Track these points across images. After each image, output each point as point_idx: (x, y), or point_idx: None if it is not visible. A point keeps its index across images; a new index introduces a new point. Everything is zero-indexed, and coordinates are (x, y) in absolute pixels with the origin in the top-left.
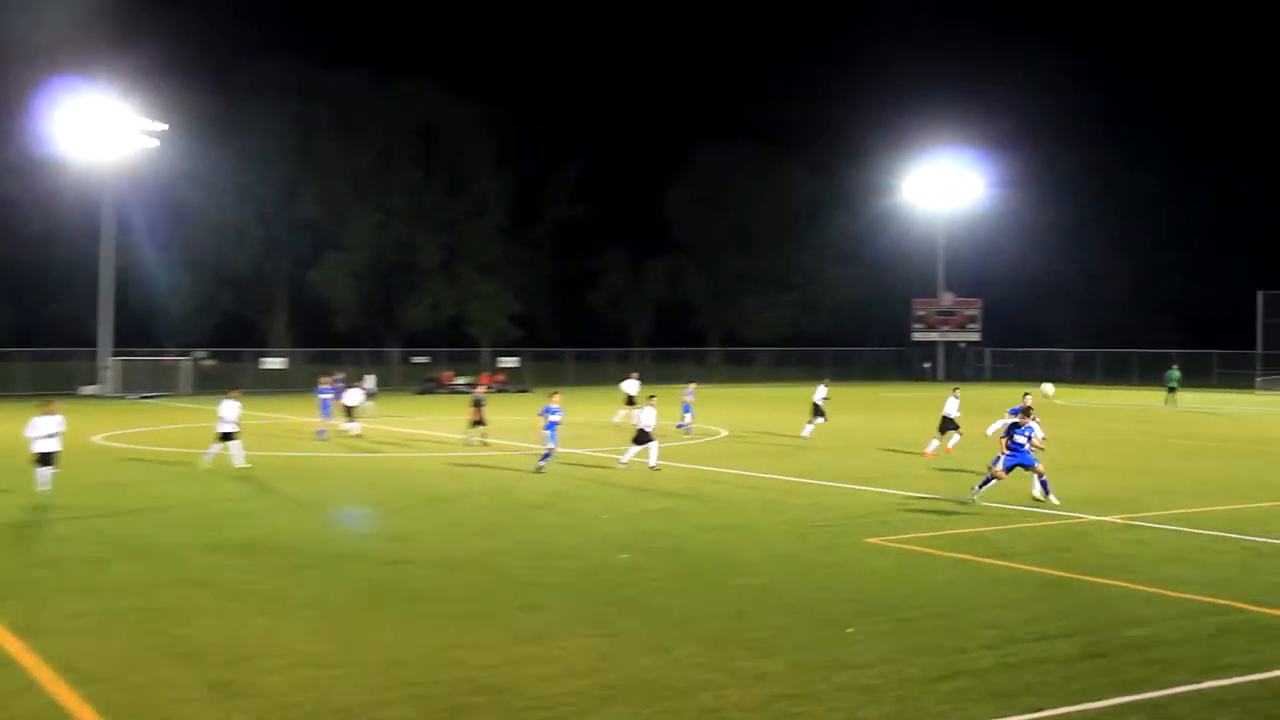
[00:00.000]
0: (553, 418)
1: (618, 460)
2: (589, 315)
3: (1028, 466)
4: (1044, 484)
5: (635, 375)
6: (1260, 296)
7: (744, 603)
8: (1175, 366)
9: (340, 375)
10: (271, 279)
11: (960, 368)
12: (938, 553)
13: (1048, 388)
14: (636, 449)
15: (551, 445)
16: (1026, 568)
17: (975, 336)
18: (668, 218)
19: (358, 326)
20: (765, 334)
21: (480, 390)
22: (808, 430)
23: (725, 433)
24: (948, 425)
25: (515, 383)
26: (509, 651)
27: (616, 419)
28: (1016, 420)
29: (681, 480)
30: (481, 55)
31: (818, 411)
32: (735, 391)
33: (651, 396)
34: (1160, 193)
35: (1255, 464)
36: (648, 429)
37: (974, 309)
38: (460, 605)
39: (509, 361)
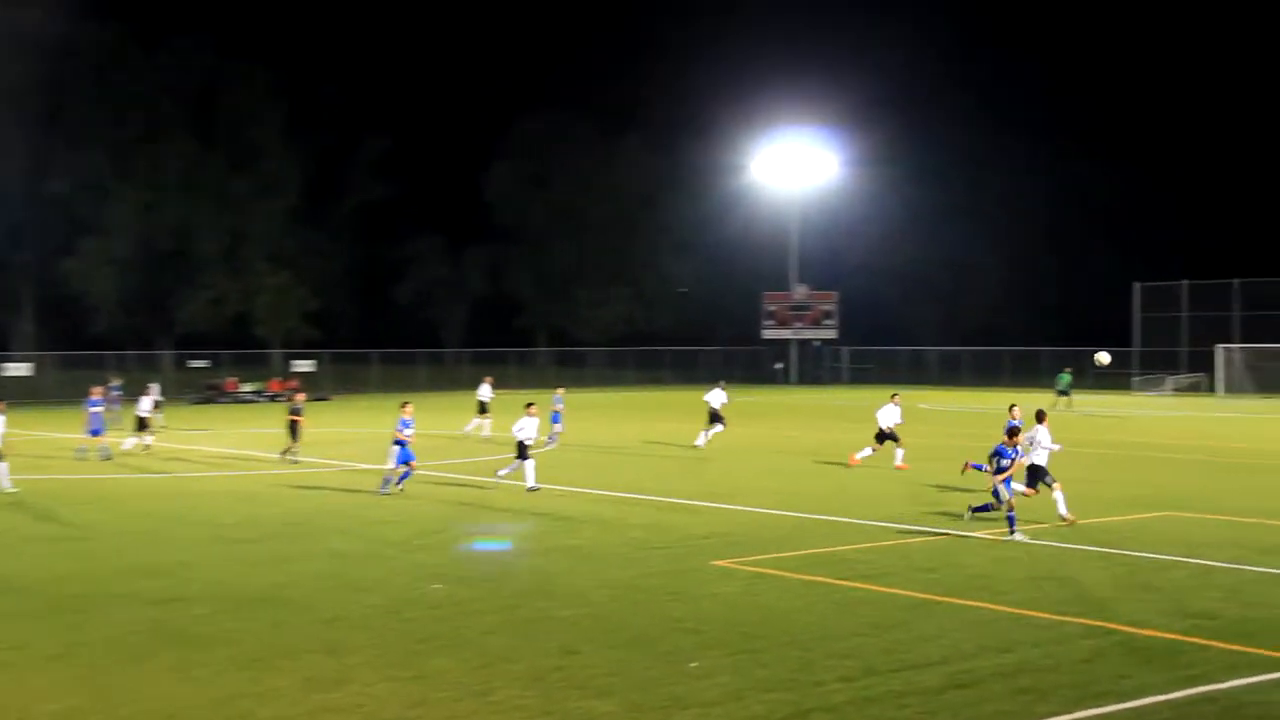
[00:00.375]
0: (406, 432)
1: (505, 480)
2: (397, 311)
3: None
4: (984, 507)
5: (490, 380)
6: (1137, 289)
7: (574, 636)
8: (1067, 370)
9: (117, 382)
10: (14, 269)
11: (815, 369)
12: (791, 575)
13: (1103, 356)
14: (529, 465)
15: (410, 461)
16: (887, 590)
17: (831, 334)
18: (488, 201)
19: (121, 325)
20: (598, 332)
21: (299, 399)
22: (702, 439)
23: (555, 444)
24: (884, 436)
25: (312, 389)
26: (304, 700)
27: (469, 429)
28: (1003, 443)
29: (505, 499)
30: (267, 11)
31: (715, 418)
32: (566, 397)
33: (529, 405)
34: (1034, 178)
35: (1130, 472)
36: (528, 443)
37: (830, 303)
38: (246, 649)
39: (303, 365)
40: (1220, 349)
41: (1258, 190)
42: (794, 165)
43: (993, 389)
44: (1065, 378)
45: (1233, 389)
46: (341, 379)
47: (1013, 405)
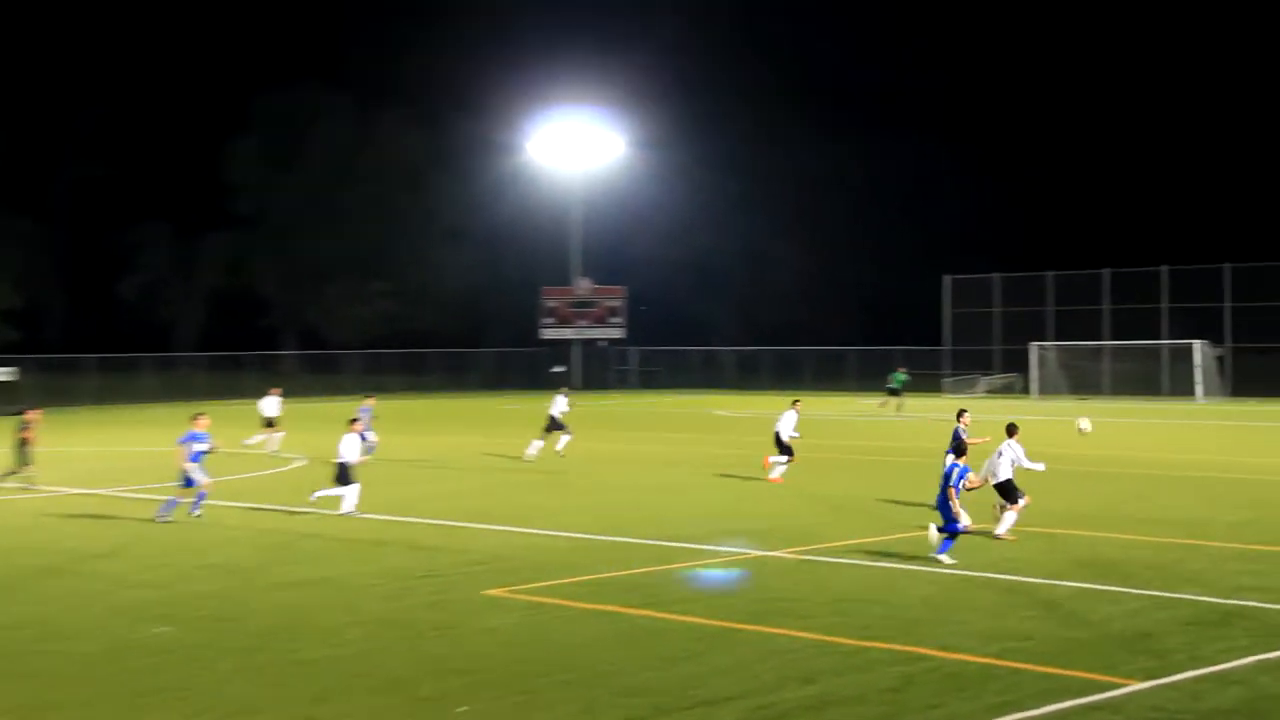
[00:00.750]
0: (198, 447)
1: (309, 501)
2: (119, 309)
3: (942, 508)
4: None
5: (277, 391)
6: (947, 282)
7: (324, 682)
8: (903, 369)
9: None
10: None
11: (601, 372)
12: (575, 604)
13: (1084, 423)
14: (338, 490)
15: (202, 481)
16: (682, 618)
17: (619, 333)
18: (227, 182)
19: None
20: (355, 333)
21: (32, 415)
22: (534, 449)
23: (305, 460)
24: (783, 445)
25: (9, 401)
26: None
27: (252, 442)
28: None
29: (246, 525)
30: None
31: (555, 425)
32: (318, 407)
33: (354, 420)
34: (837, 163)
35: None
36: (349, 464)
37: (616, 299)
38: None
39: (2, 374)
40: (1034, 347)
41: (1070, 177)
42: (575, 146)
43: (795, 392)
44: (900, 376)
45: (1047, 390)
46: (48, 390)
47: (962, 411)
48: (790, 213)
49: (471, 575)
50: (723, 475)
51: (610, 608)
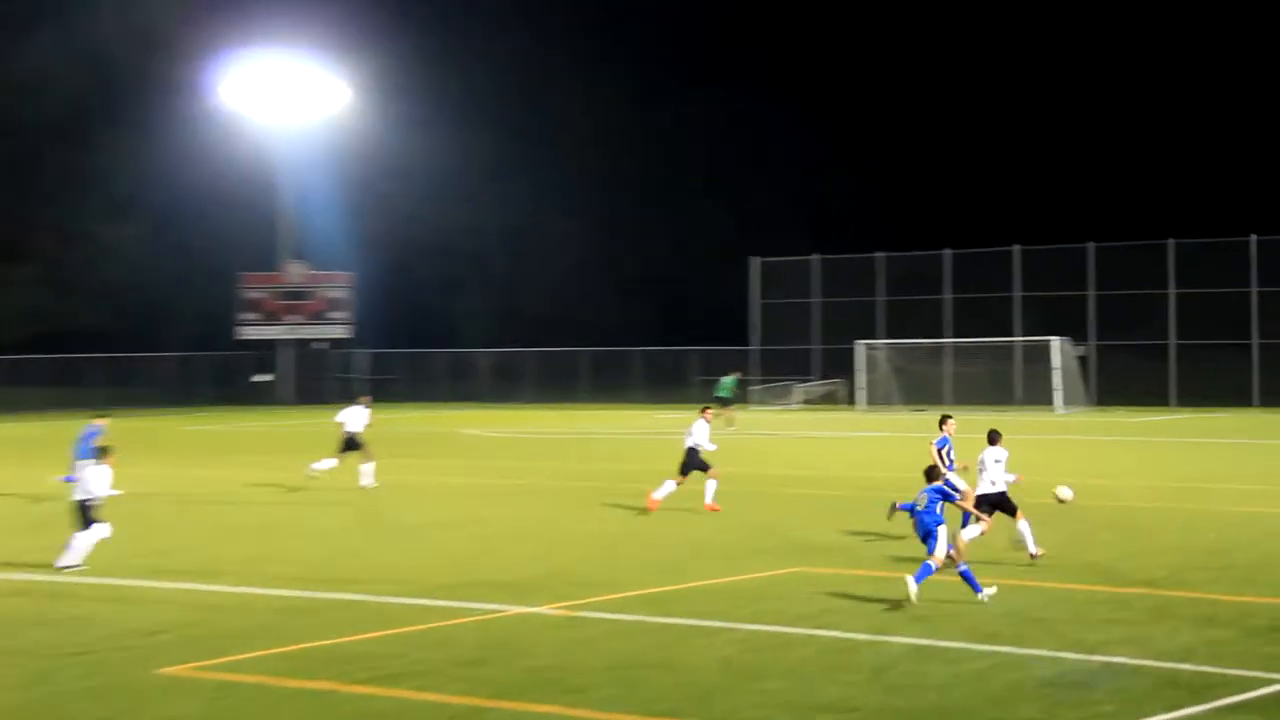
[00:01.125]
0: None
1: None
2: None
3: (926, 538)
4: (927, 570)
5: None
6: (755, 265)
7: None
8: (734, 373)
9: None
10: None
11: (318, 381)
12: (278, 682)
13: (1064, 491)
14: (99, 530)
15: None
16: (418, 695)
17: (342, 332)
18: None
19: None
20: None
21: None
22: (324, 465)
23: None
24: (693, 462)
25: None
26: None
27: None
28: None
29: None
30: None
31: (350, 444)
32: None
33: (104, 450)
34: (622, 119)
35: (747, 515)
36: (94, 503)
37: (340, 288)
38: None
39: None
40: (861, 346)
41: (905, 140)
42: (284, 93)
43: (569, 405)
44: (729, 382)
45: (876, 399)
46: None
47: (946, 417)
48: (563, 181)
49: (142, 649)
50: (472, 511)
51: (324, 685)
